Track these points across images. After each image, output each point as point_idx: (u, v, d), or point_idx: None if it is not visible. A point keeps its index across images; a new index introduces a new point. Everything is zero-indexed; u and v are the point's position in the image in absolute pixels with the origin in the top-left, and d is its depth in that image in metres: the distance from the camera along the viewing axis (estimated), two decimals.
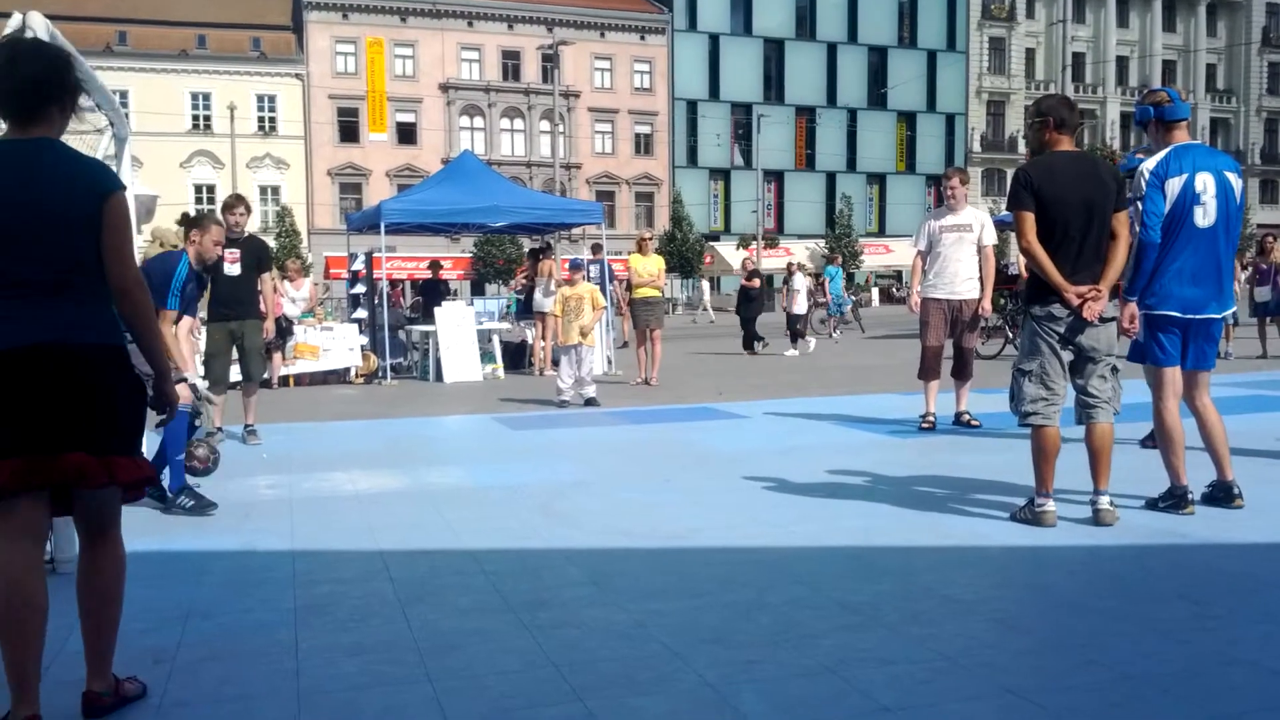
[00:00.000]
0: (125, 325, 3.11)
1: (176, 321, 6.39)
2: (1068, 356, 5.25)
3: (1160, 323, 5.47)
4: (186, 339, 6.50)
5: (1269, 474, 6.45)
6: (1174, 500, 5.49)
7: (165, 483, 6.10)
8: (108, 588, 3.12)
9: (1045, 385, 5.22)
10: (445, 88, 59.23)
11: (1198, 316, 5.45)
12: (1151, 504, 5.57)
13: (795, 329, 20.75)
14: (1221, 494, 5.55)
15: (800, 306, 21.22)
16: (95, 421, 2.98)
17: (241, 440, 8.89)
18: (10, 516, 2.93)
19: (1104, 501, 5.22)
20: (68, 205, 2.96)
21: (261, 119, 56.83)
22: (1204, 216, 5.38)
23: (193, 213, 7.07)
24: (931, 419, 8.83)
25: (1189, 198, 5.36)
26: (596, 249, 18.20)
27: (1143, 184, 5.42)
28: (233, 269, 8.82)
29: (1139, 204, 5.41)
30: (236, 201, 9.24)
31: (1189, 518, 5.34)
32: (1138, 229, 5.41)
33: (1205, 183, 5.38)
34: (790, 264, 23.81)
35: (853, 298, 27.72)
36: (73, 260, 2.97)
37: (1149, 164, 5.46)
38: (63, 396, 2.93)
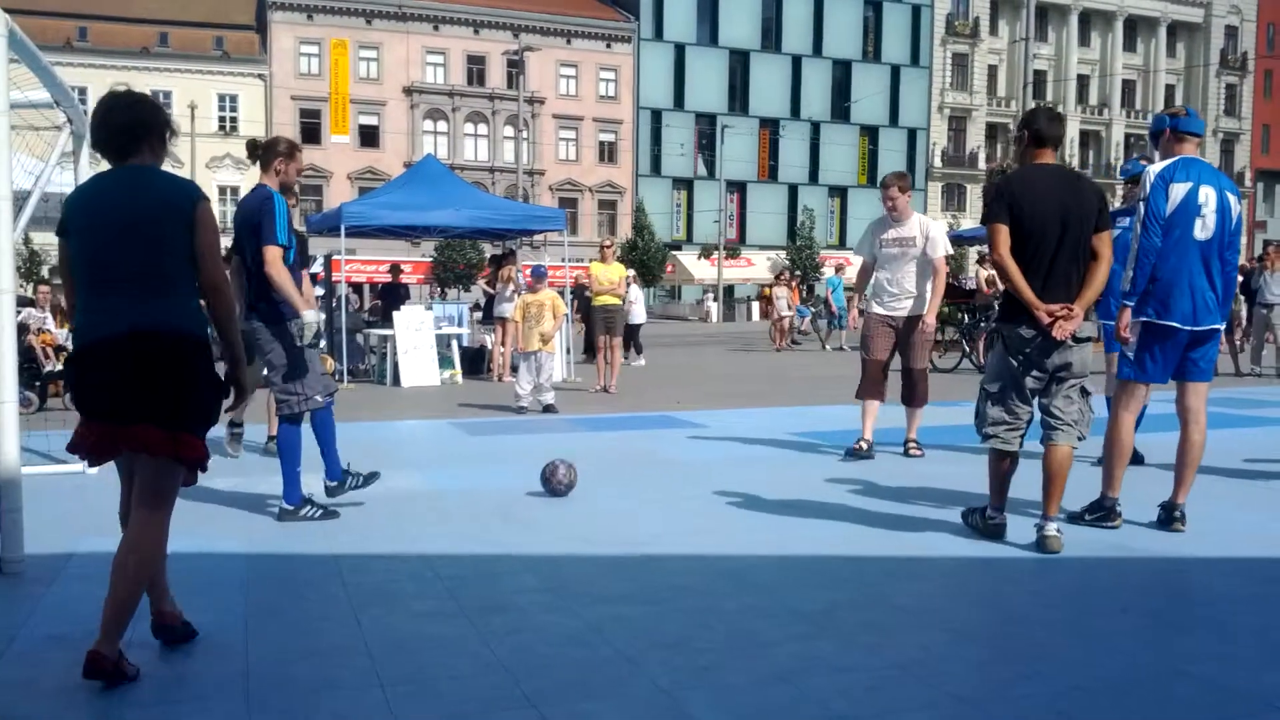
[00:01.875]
0: (211, 316, 3.59)
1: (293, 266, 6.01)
2: (1032, 383, 5.10)
3: (1159, 333, 5.42)
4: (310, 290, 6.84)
5: (1220, 490, 6.55)
6: (1103, 512, 5.52)
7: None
8: (131, 562, 3.43)
9: (1007, 409, 5.13)
10: (409, 91, 59.01)
11: (1198, 328, 5.40)
12: (1074, 517, 5.56)
13: (632, 340, 20.45)
14: (1164, 514, 5.54)
15: (637, 318, 21.11)
16: (170, 400, 3.43)
17: (266, 452, 8.26)
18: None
19: (1051, 528, 5.04)
20: (167, 209, 3.49)
21: (223, 118, 56.37)
22: (1203, 229, 5.35)
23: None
24: (865, 444, 8.01)
25: (1191, 207, 5.33)
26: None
27: (1148, 185, 5.38)
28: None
29: (1142, 205, 5.36)
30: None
31: (1136, 531, 5.41)
32: (1138, 230, 5.36)
33: (1208, 196, 5.36)
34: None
35: (811, 309, 27.65)
36: (169, 258, 3.48)
37: (1156, 166, 5.44)
38: (146, 376, 3.41)
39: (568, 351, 16.01)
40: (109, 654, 3.32)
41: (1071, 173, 5.33)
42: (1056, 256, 5.01)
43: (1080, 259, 5.06)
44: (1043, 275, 5.00)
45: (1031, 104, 31.86)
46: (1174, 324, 5.38)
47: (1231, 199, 5.45)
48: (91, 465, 3.65)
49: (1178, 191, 5.34)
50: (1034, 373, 5.08)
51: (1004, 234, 5.03)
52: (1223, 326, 5.54)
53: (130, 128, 3.58)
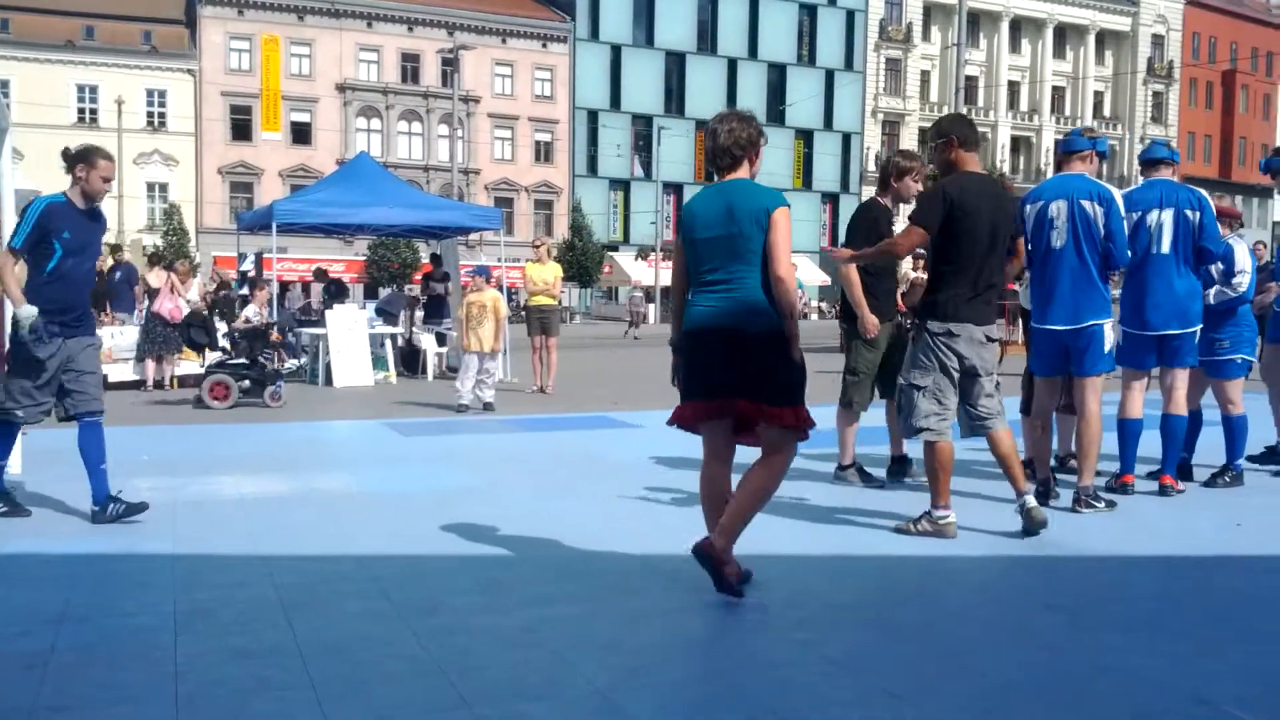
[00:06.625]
0: (773, 304, 4.21)
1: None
2: (956, 375, 5.36)
3: (1042, 335, 6.13)
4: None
5: (1146, 486, 6.66)
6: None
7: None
8: (757, 485, 4.28)
9: (938, 401, 5.34)
10: (342, 88, 58.37)
11: (1069, 327, 5.95)
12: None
13: None
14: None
15: None
16: (753, 381, 4.23)
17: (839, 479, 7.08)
18: (707, 440, 4.60)
19: (1031, 502, 5.31)
20: (747, 218, 4.25)
21: (151, 114, 55.28)
22: (1058, 238, 5.87)
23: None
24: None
25: (1044, 222, 5.92)
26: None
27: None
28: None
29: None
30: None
31: (1065, 529, 5.51)
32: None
33: (1059, 209, 5.87)
34: None
35: None
36: (748, 261, 4.23)
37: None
38: (736, 362, 4.23)
39: (505, 352, 15.94)
40: (719, 545, 4.19)
41: (997, 182, 5.71)
42: (985, 263, 5.33)
43: (1001, 264, 5.52)
44: (971, 281, 5.31)
45: (964, 109, 32.20)
46: (1053, 327, 5.96)
47: (1087, 204, 5.83)
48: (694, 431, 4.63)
49: (1030, 211, 5.97)
50: (954, 366, 5.35)
51: (917, 235, 5.34)
52: (1104, 322, 5.94)
53: (734, 145, 4.43)
